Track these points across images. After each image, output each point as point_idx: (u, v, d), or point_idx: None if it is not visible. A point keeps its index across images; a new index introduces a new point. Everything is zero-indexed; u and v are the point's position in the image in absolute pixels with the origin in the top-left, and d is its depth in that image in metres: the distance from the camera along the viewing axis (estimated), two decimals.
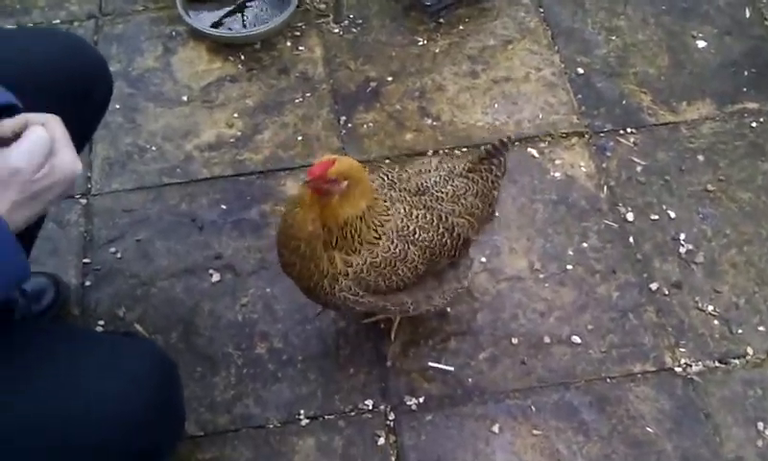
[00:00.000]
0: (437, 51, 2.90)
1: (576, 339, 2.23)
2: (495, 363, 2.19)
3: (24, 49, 1.75)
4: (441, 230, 1.84)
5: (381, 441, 2.06)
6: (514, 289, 2.33)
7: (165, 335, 2.24)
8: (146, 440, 1.43)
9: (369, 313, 2.13)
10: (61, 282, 2.28)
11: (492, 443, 2.05)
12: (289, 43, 2.93)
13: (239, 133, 2.68)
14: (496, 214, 2.04)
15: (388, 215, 1.80)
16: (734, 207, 2.48)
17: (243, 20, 3.00)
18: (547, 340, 2.23)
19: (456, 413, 2.11)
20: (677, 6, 3.01)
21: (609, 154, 2.61)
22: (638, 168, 2.57)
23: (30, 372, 1.40)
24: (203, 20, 2.95)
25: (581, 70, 2.83)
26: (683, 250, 2.39)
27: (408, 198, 1.84)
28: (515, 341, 2.23)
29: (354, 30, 2.97)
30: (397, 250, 1.79)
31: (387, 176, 1.88)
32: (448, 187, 1.89)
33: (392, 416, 2.10)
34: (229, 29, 2.96)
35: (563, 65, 2.85)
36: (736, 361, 2.19)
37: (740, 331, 2.23)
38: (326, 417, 2.10)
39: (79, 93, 1.81)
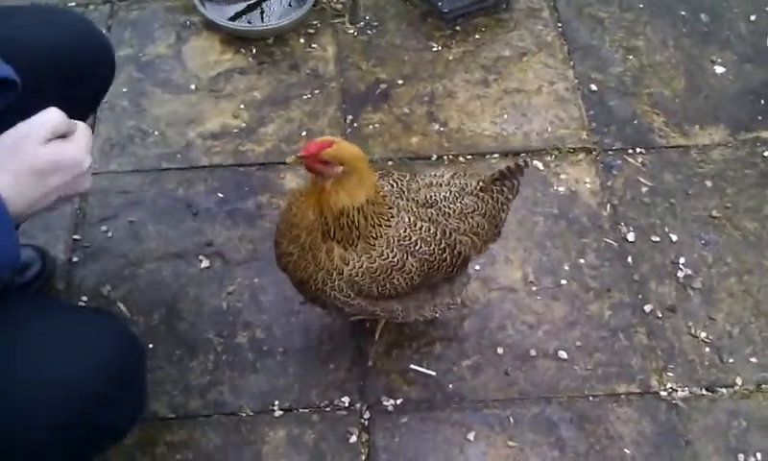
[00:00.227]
0: (450, 58, 2.87)
1: (563, 354, 2.17)
2: (478, 371, 2.14)
3: (26, 26, 1.75)
4: (443, 244, 1.80)
5: (353, 439, 2.01)
6: (505, 299, 2.28)
7: (147, 317, 2.22)
8: (102, 418, 1.40)
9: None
10: (48, 256, 2.27)
11: (465, 450, 2.00)
12: (302, 40, 2.92)
13: (243, 125, 2.67)
14: (500, 235, 1.99)
15: (390, 218, 1.77)
16: (738, 236, 2.41)
17: (262, 15, 2.99)
18: (533, 353, 2.18)
19: (432, 418, 2.06)
20: (698, 29, 2.96)
21: (615, 172, 2.56)
22: (644, 189, 2.52)
23: None
24: (221, 12, 2.94)
25: (594, 87, 2.79)
26: (681, 274, 2.33)
27: (415, 208, 1.80)
28: (500, 351, 2.18)
29: (369, 31, 2.96)
30: (396, 259, 1.76)
31: (397, 183, 1.84)
32: (457, 204, 1.85)
33: (367, 415, 2.06)
34: (248, 22, 2.95)
35: (576, 81, 2.80)
36: (724, 390, 2.12)
37: (731, 360, 2.16)
38: (301, 410, 2.07)
39: (78, 75, 1.80)
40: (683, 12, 3.02)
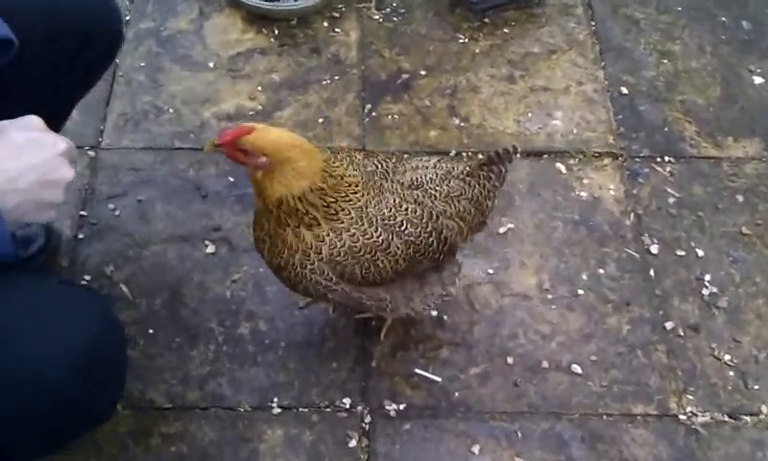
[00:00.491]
0: (477, 51, 2.78)
1: (576, 368, 2.08)
2: (486, 380, 2.06)
3: None
4: (429, 227, 1.72)
5: (353, 443, 1.94)
6: (518, 306, 2.19)
7: (149, 300, 2.16)
8: (74, 399, 1.35)
9: (359, 308, 2.02)
10: (53, 232, 2.21)
11: None
12: (326, 24, 2.84)
13: (260, 107, 2.59)
14: (487, 225, 1.91)
15: (355, 193, 1.66)
16: None
17: None
18: (545, 365, 2.09)
19: (436, 426, 1.98)
20: (737, 37, 2.84)
21: (641, 180, 2.46)
22: (671, 199, 2.42)
23: None
24: None
25: (625, 90, 2.68)
26: (706, 291, 2.23)
27: (400, 190, 1.73)
28: (510, 360, 2.09)
29: (395, 19, 2.87)
30: (380, 239, 1.67)
31: (382, 164, 1.76)
32: (444, 187, 1.78)
33: (368, 419, 1.99)
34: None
35: (606, 82, 2.70)
36: (747, 418, 2.02)
37: (756, 387, 2.06)
38: (300, 409, 1.99)
39: (79, 38, 1.75)
40: (723, 18, 2.90)
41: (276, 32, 2.80)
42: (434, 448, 1.94)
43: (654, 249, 2.31)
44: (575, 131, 2.56)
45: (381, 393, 2.02)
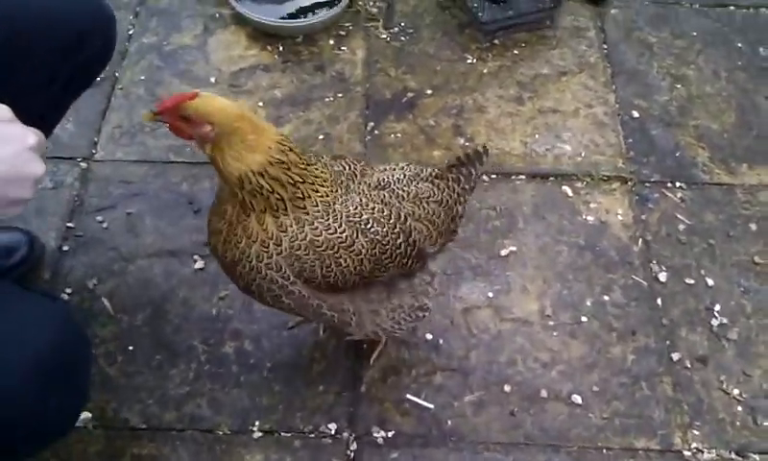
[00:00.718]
0: (485, 71, 2.70)
1: (577, 399, 1.97)
2: (481, 409, 1.95)
3: None
4: (396, 228, 1.63)
5: None
6: (517, 332, 2.09)
7: (131, 316, 2.08)
8: (28, 412, 1.27)
9: (321, 321, 1.90)
10: (37, 242, 2.15)
11: None
12: (332, 41, 2.78)
13: None
14: (458, 233, 1.81)
15: (324, 186, 1.57)
16: None
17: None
18: (544, 394, 1.98)
19: (426, 455, 1.87)
20: (754, 63, 2.74)
21: (651, 205, 2.36)
22: (681, 226, 2.31)
23: None
24: (260, 9, 2.80)
25: (636, 114, 2.59)
26: (715, 322, 2.11)
27: (367, 191, 1.64)
28: (507, 388, 1.99)
29: (403, 38, 2.80)
30: (344, 235, 1.57)
31: (349, 166, 1.67)
32: (411, 187, 1.70)
33: (354, 446, 1.88)
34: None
35: (617, 106, 2.61)
36: (757, 457, 1.90)
37: (766, 423, 1.94)
38: (282, 434, 1.90)
39: (70, 40, 1.70)
40: (739, 44, 2.81)
41: (281, 48, 2.75)
42: None
43: (662, 276, 2.20)
44: (583, 153, 2.47)
45: (369, 419, 1.93)
